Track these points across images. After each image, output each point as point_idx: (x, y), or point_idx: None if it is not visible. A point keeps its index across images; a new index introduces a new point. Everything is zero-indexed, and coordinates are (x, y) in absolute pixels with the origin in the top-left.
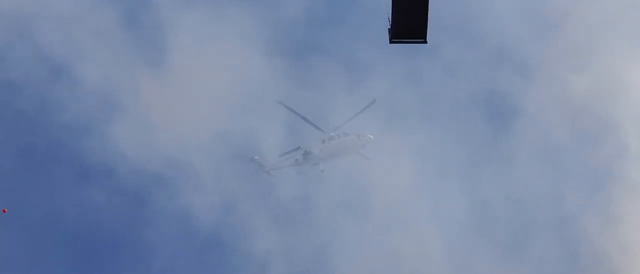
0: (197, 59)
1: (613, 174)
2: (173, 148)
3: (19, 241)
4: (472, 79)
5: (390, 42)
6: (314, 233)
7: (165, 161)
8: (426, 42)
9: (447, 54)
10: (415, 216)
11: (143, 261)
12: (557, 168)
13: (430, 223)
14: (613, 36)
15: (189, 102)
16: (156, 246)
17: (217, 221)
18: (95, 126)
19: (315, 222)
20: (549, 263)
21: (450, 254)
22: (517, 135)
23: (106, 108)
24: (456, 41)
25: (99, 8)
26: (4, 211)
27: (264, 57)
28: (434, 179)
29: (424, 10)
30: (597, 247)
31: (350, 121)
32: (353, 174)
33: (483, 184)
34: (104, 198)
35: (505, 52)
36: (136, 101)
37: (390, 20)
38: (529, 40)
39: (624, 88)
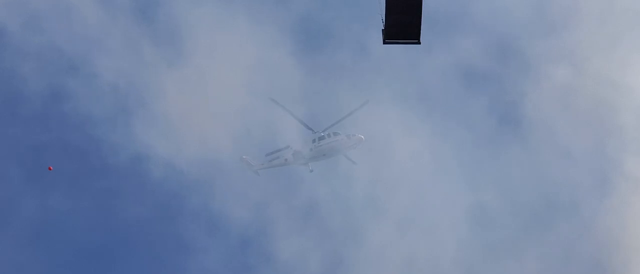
0: (212, 54)
1: (616, 172)
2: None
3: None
4: (473, 76)
5: (384, 42)
6: (325, 233)
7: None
8: (420, 43)
9: (450, 52)
10: (420, 214)
11: (164, 260)
12: (560, 166)
13: (436, 221)
14: (613, 36)
15: (208, 98)
16: (175, 244)
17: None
18: (116, 123)
19: (324, 222)
20: (552, 260)
21: (457, 253)
22: (519, 134)
23: (126, 104)
24: (458, 41)
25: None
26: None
27: (276, 51)
28: (436, 179)
29: (417, 11)
30: (600, 243)
31: (344, 120)
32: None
33: (485, 183)
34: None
35: (507, 51)
36: (156, 98)
37: (384, 21)
38: (529, 39)
39: (624, 88)
